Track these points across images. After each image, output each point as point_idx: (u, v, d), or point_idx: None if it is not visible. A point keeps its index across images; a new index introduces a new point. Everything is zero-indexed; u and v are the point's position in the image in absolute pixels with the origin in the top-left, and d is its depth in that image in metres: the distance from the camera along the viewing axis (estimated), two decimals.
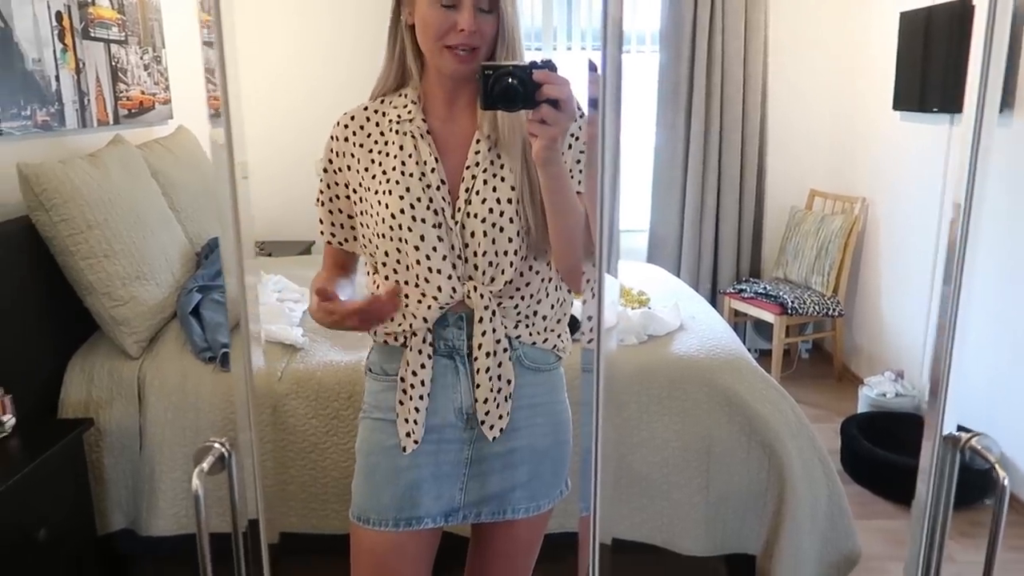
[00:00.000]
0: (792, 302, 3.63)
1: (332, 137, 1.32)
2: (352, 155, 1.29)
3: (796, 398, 2.25)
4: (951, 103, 3.02)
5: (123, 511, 2.18)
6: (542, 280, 1.30)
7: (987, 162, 0.63)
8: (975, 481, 2.77)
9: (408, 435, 1.28)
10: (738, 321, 4.04)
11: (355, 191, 1.30)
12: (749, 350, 3.57)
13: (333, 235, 1.36)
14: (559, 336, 1.36)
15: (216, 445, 0.79)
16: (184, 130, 3.11)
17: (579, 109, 1.21)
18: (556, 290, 1.34)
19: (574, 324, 2.27)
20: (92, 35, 2.61)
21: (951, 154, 3.14)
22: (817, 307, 3.67)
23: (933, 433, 0.60)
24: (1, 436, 1.84)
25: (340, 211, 1.35)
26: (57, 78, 2.39)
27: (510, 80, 1.09)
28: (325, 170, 1.33)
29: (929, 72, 3.16)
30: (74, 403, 2.15)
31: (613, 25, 0.62)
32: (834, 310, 3.71)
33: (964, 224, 0.62)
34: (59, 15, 2.40)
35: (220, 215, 0.77)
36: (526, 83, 1.09)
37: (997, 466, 0.59)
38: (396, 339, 1.29)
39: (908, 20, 3.30)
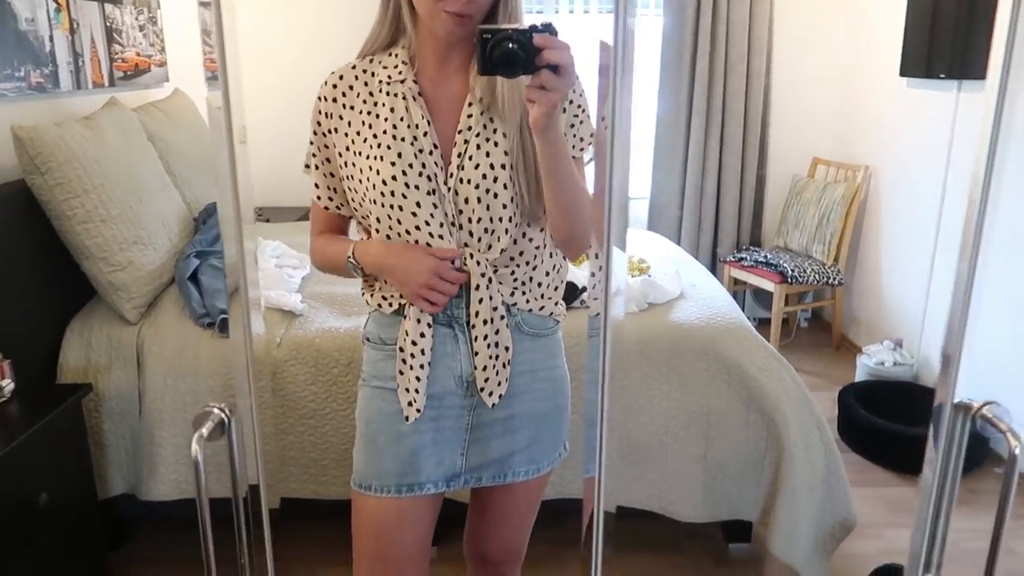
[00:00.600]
0: (792, 271, 3.62)
1: (320, 98, 1.27)
2: (341, 117, 1.25)
3: (794, 366, 2.25)
4: (959, 69, 2.98)
5: (123, 476, 2.19)
6: (536, 247, 1.28)
7: (1010, 132, 0.62)
8: (973, 448, 2.79)
9: (410, 404, 1.27)
10: (737, 289, 4.03)
11: (342, 155, 1.26)
12: (748, 318, 3.57)
13: (330, 199, 1.33)
14: (556, 303, 1.34)
15: (215, 411, 0.78)
16: (180, 93, 3.07)
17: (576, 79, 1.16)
18: (551, 256, 1.32)
19: (572, 291, 2.26)
20: None
21: (957, 121, 3.11)
22: (817, 276, 3.66)
23: (945, 400, 0.59)
24: (0, 401, 1.84)
25: (332, 175, 1.31)
26: (51, 38, 2.35)
27: (510, 44, 1.04)
28: (315, 132, 1.29)
29: (937, 38, 3.11)
30: (73, 368, 2.14)
31: None
32: (834, 279, 3.70)
33: (983, 199, 0.60)
34: None
35: (218, 180, 0.75)
36: (527, 48, 1.05)
37: (1009, 435, 0.58)
38: (393, 307, 1.28)
39: None
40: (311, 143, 1.30)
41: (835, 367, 3.70)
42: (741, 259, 3.86)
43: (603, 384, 0.80)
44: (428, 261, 1.19)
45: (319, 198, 1.34)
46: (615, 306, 0.73)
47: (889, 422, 2.84)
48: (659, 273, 2.55)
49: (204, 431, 0.74)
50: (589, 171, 1.27)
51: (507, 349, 1.27)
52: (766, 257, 3.77)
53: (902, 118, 3.52)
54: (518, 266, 1.27)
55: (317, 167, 1.31)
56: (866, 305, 3.86)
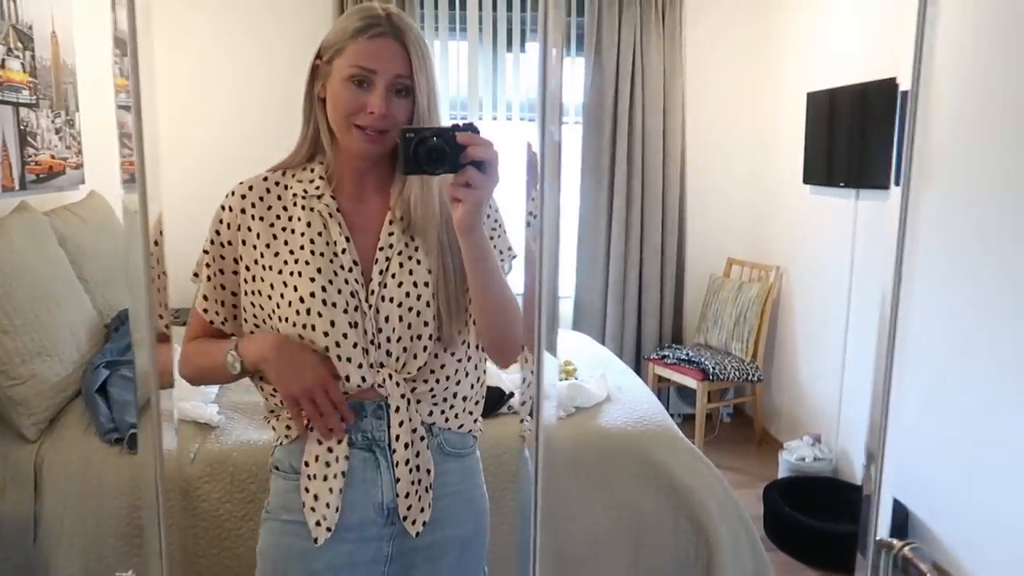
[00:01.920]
0: (713, 367, 3.70)
1: (225, 208, 1.21)
2: (249, 228, 1.19)
3: (719, 463, 2.27)
4: (855, 178, 3.20)
5: None
6: (459, 360, 1.23)
7: (916, 237, 0.66)
8: None
9: (318, 524, 1.16)
10: (661, 387, 4.09)
11: (248, 268, 1.19)
12: (672, 415, 3.61)
13: (217, 313, 1.23)
14: (475, 419, 1.29)
15: None
16: (96, 195, 3.00)
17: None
18: (475, 369, 1.27)
19: (498, 397, 2.25)
20: (0, 98, 2.50)
21: (857, 225, 3.31)
22: (737, 372, 3.76)
23: (866, 539, 0.60)
24: None
25: (224, 287, 1.23)
26: None
27: (435, 140, 1.05)
28: (212, 242, 1.22)
29: (835, 148, 3.35)
30: None
31: (551, 98, 0.63)
32: (754, 375, 3.80)
33: (893, 307, 0.64)
34: None
35: (131, 284, 0.71)
36: (451, 144, 1.05)
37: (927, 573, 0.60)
38: (305, 431, 1.18)
39: (814, 99, 3.51)
40: (205, 252, 1.23)
41: (758, 463, 3.75)
42: (664, 356, 3.93)
43: (536, 502, 0.78)
44: (321, 369, 1.13)
45: (205, 311, 1.24)
46: (547, 410, 0.72)
47: (813, 519, 2.88)
48: (585, 375, 2.57)
49: None
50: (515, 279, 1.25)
51: (428, 472, 1.20)
52: (688, 355, 3.86)
53: (808, 222, 3.73)
54: (438, 381, 1.21)
55: (209, 278, 1.23)
56: (785, 400, 3.97)
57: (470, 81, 4.05)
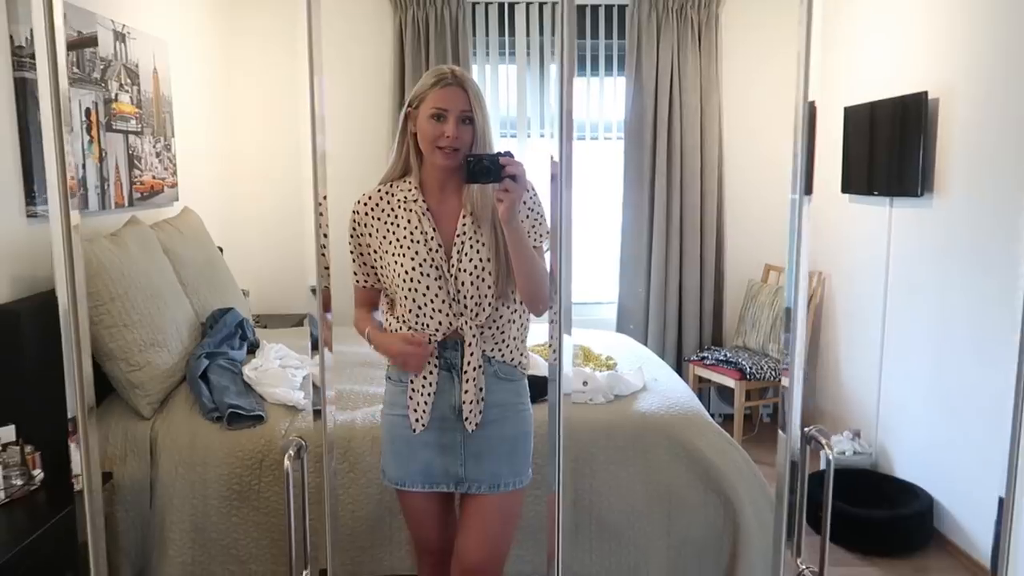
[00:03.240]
0: (750, 367, 3.91)
1: (355, 212, 1.80)
2: (371, 224, 1.78)
3: (759, 459, 2.49)
4: (893, 187, 3.37)
5: (131, 561, 2.35)
6: (510, 311, 1.78)
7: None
8: (920, 529, 3.02)
9: (417, 420, 1.76)
10: (702, 387, 4.30)
11: (375, 251, 1.78)
12: (713, 415, 3.83)
13: (366, 278, 1.84)
14: (521, 354, 1.83)
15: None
16: (189, 211, 3.38)
17: (529, 186, 1.72)
18: (519, 318, 1.81)
19: (543, 385, 2.52)
20: (114, 127, 2.90)
21: (892, 231, 3.49)
22: (774, 372, 3.95)
23: (788, 430, 0.86)
24: (32, 488, 2.04)
25: (365, 263, 1.83)
26: (84, 166, 2.67)
27: (485, 162, 1.60)
28: (351, 235, 1.81)
29: (874, 159, 3.54)
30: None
31: (567, 118, 0.92)
32: None
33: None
34: (88, 111, 2.69)
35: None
36: (495, 164, 1.60)
37: (825, 446, 0.86)
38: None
39: (853, 113, 3.69)
40: (350, 242, 1.82)
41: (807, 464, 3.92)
42: (703, 358, 4.16)
43: (559, 445, 1.06)
44: (398, 340, 1.74)
45: (357, 280, 1.85)
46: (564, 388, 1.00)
47: (849, 506, 3.06)
48: (624, 369, 2.83)
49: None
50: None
51: (481, 389, 1.75)
52: (726, 356, 4.07)
53: (847, 229, 3.91)
54: (496, 326, 1.77)
55: (354, 260, 1.83)
56: (828, 399, 4.14)
57: (518, 101, 4.36)
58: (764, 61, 4.36)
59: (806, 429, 0.89)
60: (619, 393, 2.60)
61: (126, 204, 3.00)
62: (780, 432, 0.89)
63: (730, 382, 3.97)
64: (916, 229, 3.30)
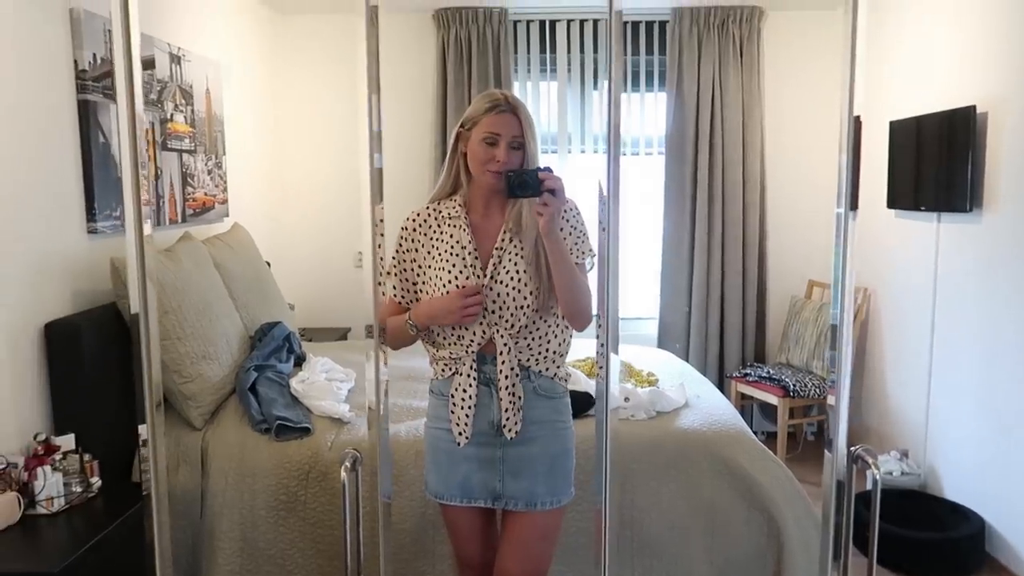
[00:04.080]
0: (794, 384, 3.87)
1: (404, 227, 1.87)
2: (418, 240, 1.85)
3: (803, 478, 2.46)
4: (941, 202, 3.32)
5: (181, 570, 2.41)
6: (548, 325, 1.81)
7: None
8: (968, 554, 2.95)
9: (460, 433, 1.80)
10: (745, 404, 4.26)
11: (419, 266, 1.85)
12: (756, 432, 3.78)
13: (404, 295, 1.88)
14: (558, 367, 1.85)
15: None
16: (239, 227, 3.48)
17: (570, 204, 1.79)
18: (561, 332, 1.84)
19: (587, 401, 2.54)
20: (169, 146, 3.00)
21: (940, 247, 3.43)
22: (818, 390, 3.90)
23: (835, 449, 0.87)
24: (90, 496, 2.11)
25: (407, 280, 1.87)
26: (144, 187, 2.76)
27: (525, 177, 1.67)
28: (397, 250, 1.87)
29: (921, 174, 3.49)
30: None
31: (615, 135, 0.94)
32: None
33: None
34: (146, 131, 2.79)
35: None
36: (535, 179, 1.66)
37: (872, 466, 0.86)
38: (450, 368, 1.81)
39: (899, 128, 3.65)
40: (393, 258, 1.87)
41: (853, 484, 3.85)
42: (746, 374, 4.12)
43: (606, 463, 1.07)
44: (452, 295, 1.74)
45: (395, 295, 1.88)
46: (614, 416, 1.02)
47: (897, 528, 3.00)
48: (666, 385, 2.83)
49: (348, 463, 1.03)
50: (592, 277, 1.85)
51: (520, 398, 1.78)
52: (769, 373, 4.03)
53: (893, 245, 3.85)
54: (535, 339, 1.80)
55: (395, 274, 1.87)
56: (875, 417, 4.06)
57: (559, 117, 4.39)
58: (807, 75, 4.33)
59: (852, 448, 0.90)
60: (661, 409, 2.60)
61: (179, 220, 3.09)
62: (826, 451, 0.89)
63: (773, 399, 3.92)
64: (964, 245, 3.24)
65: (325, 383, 2.67)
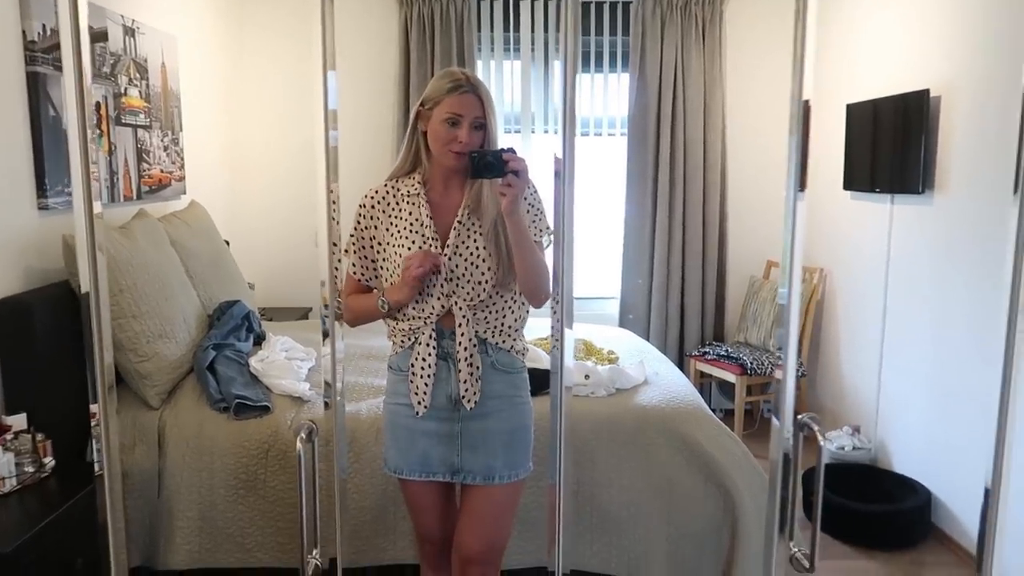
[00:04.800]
0: (751, 363, 3.94)
1: (361, 205, 1.87)
2: (376, 218, 1.85)
3: (759, 454, 2.52)
4: (895, 184, 3.39)
5: (139, 548, 2.39)
6: (505, 300, 1.83)
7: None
8: (915, 525, 3.05)
9: (419, 403, 1.81)
10: (703, 382, 4.33)
11: (379, 243, 1.84)
12: (714, 409, 3.85)
13: (363, 272, 1.89)
14: (515, 340, 1.87)
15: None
16: (196, 204, 3.42)
17: (532, 184, 1.79)
18: (519, 308, 1.87)
19: (545, 378, 2.56)
20: (123, 121, 2.93)
21: (893, 229, 3.51)
22: (775, 368, 3.98)
23: (782, 419, 0.89)
24: (43, 476, 2.08)
25: (366, 257, 1.88)
26: (94, 160, 2.70)
27: (489, 158, 1.67)
28: (355, 227, 1.87)
29: (874, 156, 3.56)
30: None
31: (571, 114, 0.95)
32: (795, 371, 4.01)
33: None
34: (98, 104, 2.73)
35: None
36: (499, 160, 1.66)
37: (818, 433, 0.90)
38: (409, 339, 1.82)
39: (855, 111, 3.71)
40: (351, 235, 1.87)
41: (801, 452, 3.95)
42: (705, 353, 4.19)
43: (561, 436, 1.09)
44: (410, 261, 1.73)
45: (355, 272, 1.90)
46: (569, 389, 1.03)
47: (847, 500, 3.09)
48: (626, 363, 2.86)
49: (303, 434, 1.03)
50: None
51: (478, 368, 1.80)
52: (727, 351, 4.10)
53: (849, 226, 3.93)
54: (491, 313, 1.82)
55: (355, 251, 1.88)
56: (829, 395, 4.16)
57: (522, 97, 4.38)
58: (768, 58, 4.38)
59: (799, 416, 0.92)
60: (620, 387, 2.63)
61: (134, 197, 3.03)
62: (774, 420, 0.92)
63: (731, 377, 4.00)
64: (917, 226, 3.32)
65: (285, 362, 2.65)
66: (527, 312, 1.91)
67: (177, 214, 3.17)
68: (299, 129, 4.28)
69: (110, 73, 2.85)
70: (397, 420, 1.86)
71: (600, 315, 4.42)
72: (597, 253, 4.56)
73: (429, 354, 1.80)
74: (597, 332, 3.40)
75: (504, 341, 1.84)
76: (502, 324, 1.84)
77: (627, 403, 2.54)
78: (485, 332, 1.82)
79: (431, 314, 1.79)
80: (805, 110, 0.99)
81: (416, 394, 1.81)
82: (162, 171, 3.28)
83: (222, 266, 3.22)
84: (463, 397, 1.79)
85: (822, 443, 0.93)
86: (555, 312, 1.06)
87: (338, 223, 1.04)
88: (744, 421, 4.05)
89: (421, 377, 1.80)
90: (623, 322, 4.41)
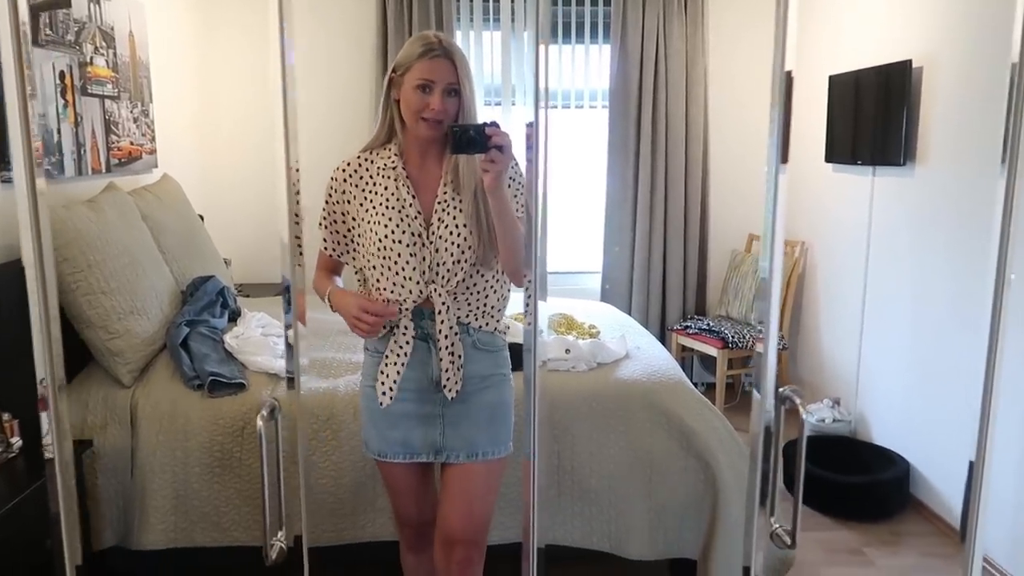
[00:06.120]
0: (732, 336, 3.94)
1: (333, 178, 1.77)
2: (349, 192, 1.76)
3: (740, 427, 2.50)
4: (876, 156, 3.37)
5: (113, 529, 2.35)
6: (486, 280, 1.77)
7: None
8: (894, 496, 3.07)
9: (384, 393, 1.75)
10: (685, 356, 4.33)
11: (353, 218, 1.76)
12: (696, 383, 3.84)
13: (334, 249, 1.82)
14: (498, 320, 1.82)
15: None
16: (168, 178, 3.34)
17: (514, 159, 1.69)
18: (500, 288, 1.80)
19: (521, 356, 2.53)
20: (89, 91, 2.84)
21: (874, 201, 3.50)
22: (757, 341, 3.97)
23: (763, 391, 0.87)
24: (11, 456, 2.02)
25: (338, 232, 1.80)
26: (59, 131, 2.62)
27: (471, 133, 1.56)
28: (327, 201, 1.78)
29: (856, 128, 3.53)
30: (71, 427, 2.32)
31: (541, 88, 0.91)
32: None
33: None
34: (62, 74, 2.63)
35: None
36: (482, 135, 1.56)
37: (800, 406, 0.87)
38: (386, 326, 1.74)
39: (837, 82, 3.68)
40: (324, 208, 1.79)
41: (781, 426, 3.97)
42: (686, 327, 4.18)
43: (534, 410, 1.06)
44: (355, 304, 1.68)
45: (326, 248, 1.83)
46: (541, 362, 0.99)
47: (826, 472, 3.10)
48: (607, 337, 2.84)
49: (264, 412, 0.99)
50: None
51: (460, 357, 1.74)
52: (709, 325, 4.09)
53: (830, 199, 3.92)
54: (472, 293, 1.75)
55: (327, 226, 1.81)
56: (809, 368, 4.18)
57: (502, 68, 4.30)
58: (750, 28, 4.33)
59: (780, 389, 0.90)
60: (601, 361, 2.61)
61: (103, 170, 2.95)
62: (755, 392, 0.89)
63: (712, 351, 3.99)
64: (898, 198, 3.31)
65: (261, 338, 2.60)
66: (509, 291, 1.85)
67: (148, 188, 3.09)
68: (274, 99, 4.17)
69: (74, 41, 2.75)
70: (374, 404, 1.80)
71: (582, 289, 4.40)
72: (579, 227, 4.53)
73: (407, 342, 1.74)
74: (579, 306, 3.37)
75: (487, 323, 1.79)
76: (484, 306, 1.78)
77: (608, 377, 2.52)
78: (468, 317, 1.76)
79: (407, 299, 1.72)
80: (787, 82, 0.96)
81: (383, 383, 1.76)
82: (132, 143, 3.19)
83: (195, 241, 3.15)
84: (444, 386, 1.74)
85: (804, 416, 0.91)
86: (529, 284, 1.02)
87: (298, 193, 0.99)
88: (725, 395, 4.06)
89: (392, 364, 1.75)
90: (605, 296, 4.39)
